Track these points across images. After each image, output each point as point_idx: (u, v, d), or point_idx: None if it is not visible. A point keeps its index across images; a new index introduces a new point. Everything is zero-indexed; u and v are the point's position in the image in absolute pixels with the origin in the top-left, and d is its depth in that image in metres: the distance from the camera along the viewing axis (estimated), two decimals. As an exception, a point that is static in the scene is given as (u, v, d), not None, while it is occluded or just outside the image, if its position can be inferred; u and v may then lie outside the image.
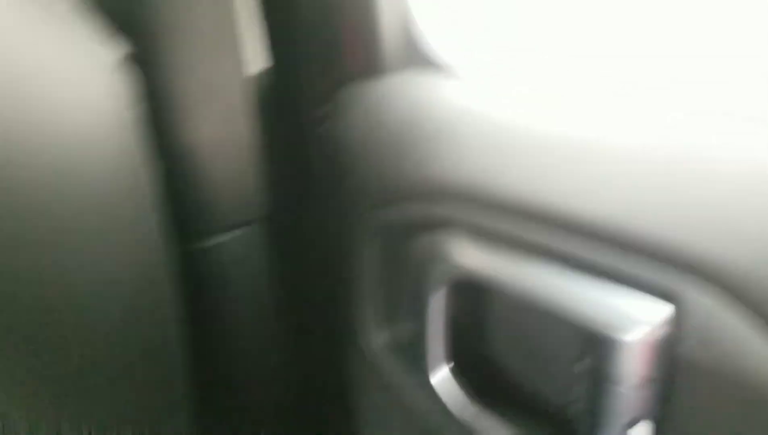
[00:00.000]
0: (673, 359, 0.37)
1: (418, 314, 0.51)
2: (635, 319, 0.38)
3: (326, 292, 0.64)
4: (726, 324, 0.34)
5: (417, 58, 0.59)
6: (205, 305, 0.58)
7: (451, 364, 0.51)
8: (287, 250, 0.63)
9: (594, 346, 0.41)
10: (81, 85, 0.37)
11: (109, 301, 0.41)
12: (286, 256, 0.62)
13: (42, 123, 0.34)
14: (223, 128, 0.54)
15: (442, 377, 0.51)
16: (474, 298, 0.50)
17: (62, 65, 0.37)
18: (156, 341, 0.47)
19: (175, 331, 0.49)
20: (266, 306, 0.62)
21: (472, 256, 0.46)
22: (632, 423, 0.39)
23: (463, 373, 0.51)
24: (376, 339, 0.57)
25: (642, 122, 0.42)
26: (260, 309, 0.62)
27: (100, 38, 0.39)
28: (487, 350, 0.51)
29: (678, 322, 0.36)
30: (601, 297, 0.40)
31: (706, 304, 0.35)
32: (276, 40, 0.60)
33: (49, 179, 0.35)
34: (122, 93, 0.41)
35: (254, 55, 0.59)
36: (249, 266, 0.59)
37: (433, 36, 0.59)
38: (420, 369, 0.52)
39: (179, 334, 0.49)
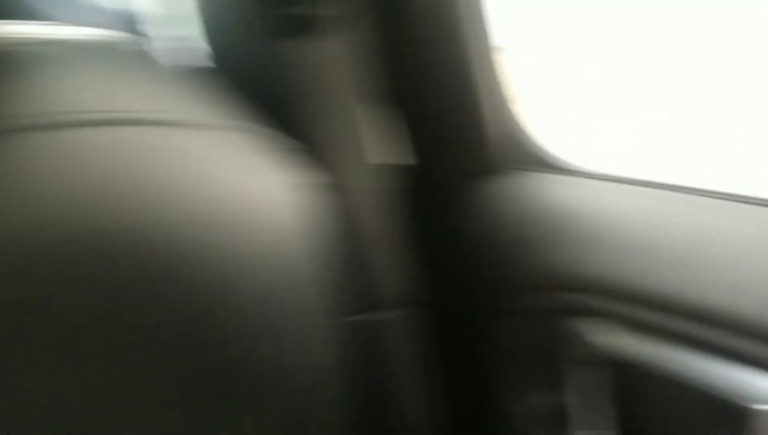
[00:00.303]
0: None
1: (561, 390, 0.56)
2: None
3: (473, 373, 0.70)
4: None
5: (530, 158, 0.66)
6: (362, 375, 0.65)
7: None
8: (435, 330, 0.69)
9: (730, 419, 0.43)
10: (273, 203, 0.48)
11: (284, 363, 0.49)
12: (434, 336, 0.69)
13: (245, 233, 0.45)
14: (373, 223, 0.64)
15: None
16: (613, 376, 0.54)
17: (257, 189, 0.48)
18: (322, 403, 0.53)
19: (337, 393, 0.55)
20: (419, 380, 0.69)
21: (611, 340, 0.52)
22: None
23: None
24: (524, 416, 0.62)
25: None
26: (414, 382, 0.68)
27: (284, 162, 0.49)
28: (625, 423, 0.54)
29: None
30: (734, 373, 0.43)
31: None
32: (412, 134, 0.69)
33: (248, 275, 0.45)
34: (308, 206, 0.51)
35: (391, 152, 0.68)
36: (401, 343, 0.67)
37: (546, 137, 0.65)
38: None
39: (342, 395, 0.55)
